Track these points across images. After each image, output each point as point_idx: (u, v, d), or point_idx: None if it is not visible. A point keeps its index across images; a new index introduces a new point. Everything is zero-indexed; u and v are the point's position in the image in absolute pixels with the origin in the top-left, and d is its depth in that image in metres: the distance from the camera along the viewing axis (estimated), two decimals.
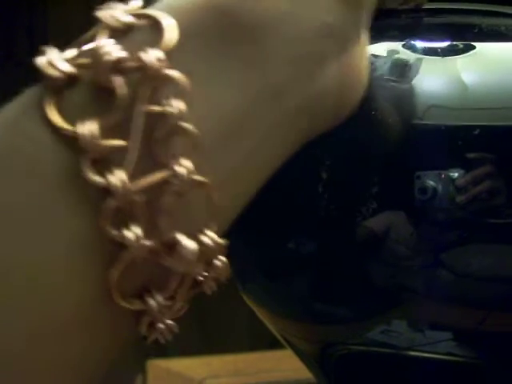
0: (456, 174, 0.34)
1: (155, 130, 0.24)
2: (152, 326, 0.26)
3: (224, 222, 0.27)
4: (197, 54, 0.26)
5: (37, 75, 0.25)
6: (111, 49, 0.24)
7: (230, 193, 0.27)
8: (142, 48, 0.24)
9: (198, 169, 0.25)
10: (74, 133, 0.24)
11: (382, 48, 0.37)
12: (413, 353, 0.38)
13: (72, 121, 0.24)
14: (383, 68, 0.35)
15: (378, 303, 0.37)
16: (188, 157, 0.24)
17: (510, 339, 0.37)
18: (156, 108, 0.24)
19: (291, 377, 1.18)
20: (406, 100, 0.34)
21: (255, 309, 0.42)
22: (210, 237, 0.26)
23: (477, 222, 0.34)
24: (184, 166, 0.24)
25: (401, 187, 0.35)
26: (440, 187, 0.34)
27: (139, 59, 0.24)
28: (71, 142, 0.24)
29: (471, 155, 0.34)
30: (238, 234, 0.39)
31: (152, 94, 0.24)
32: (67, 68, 0.25)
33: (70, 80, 0.25)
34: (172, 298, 0.26)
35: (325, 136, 0.32)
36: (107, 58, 0.24)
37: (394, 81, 0.35)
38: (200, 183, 0.25)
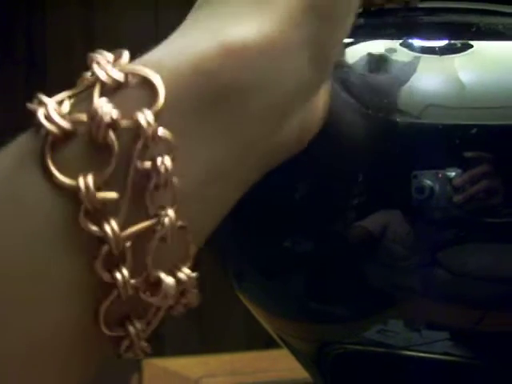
0: (453, 174, 0.34)
1: (145, 184, 0.27)
2: (129, 347, 0.29)
3: (194, 253, 0.30)
4: (181, 113, 0.28)
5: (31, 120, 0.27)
6: (107, 109, 0.27)
7: (200, 229, 0.30)
8: (135, 107, 0.27)
9: (179, 215, 0.28)
10: (72, 186, 0.26)
11: (379, 46, 0.37)
12: (409, 352, 0.38)
13: (69, 173, 0.27)
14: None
15: (375, 302, 0.37)
16: (171, 206, 0.28)
17: (506, 339, 0.37)
18: (147, 164, 0.27)
19: (288, 376, 1.18)
20: (384, 90, 0.35)
21: (251, 308, 0.42)
22: (185, 273, 0.29)
23: (474, 221, 0.34)
24: (169, 216, 0.27)
25: (398, 186, 0.35)
26: (437, 186, 0.34)
27: (134, 120, 0.27)
28: (68, 193, 0.26)
29: (468, 154, 0.34)
30: (233, 233, 0.39)
31: (143, 151, 0.27)
32: (65, 124, 0.27)
33: (66, 134, 0.27)
34: (148, 323, 0.29)
35: (319, 136, 0.33)
36: (103, 118, 0.26)
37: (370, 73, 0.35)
38: (182, 229, 0.28)
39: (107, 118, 0.26)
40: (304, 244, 0.37)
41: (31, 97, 0.28)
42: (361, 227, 0.35)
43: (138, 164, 0.27)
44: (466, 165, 0.34)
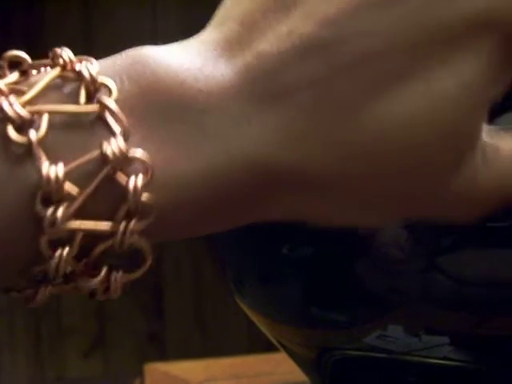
0: None
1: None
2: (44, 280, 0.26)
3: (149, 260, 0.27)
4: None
5: None
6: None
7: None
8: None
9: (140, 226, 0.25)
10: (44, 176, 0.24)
11: None
12: (409, 357, 0.38)
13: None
14: None
15: (374, 308, 0.37)
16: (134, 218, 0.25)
17: (505, 343, 0.37)
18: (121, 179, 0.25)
19: (290, 379, 1.18)
20: None
21: (250, 314, 0.42)
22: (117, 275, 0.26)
23: (472, 226, 0.34)
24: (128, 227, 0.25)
25: None
26: None
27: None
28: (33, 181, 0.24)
29: None
30: (232, 240, 0.39)
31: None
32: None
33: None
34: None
35: None
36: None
37: None
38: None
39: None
40: (303, 250, 0.37)
41: None
42: (360, 233, 0.35)
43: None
44: None
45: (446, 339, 0.37)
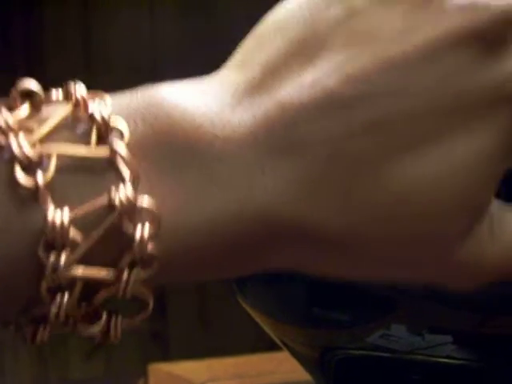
0: None
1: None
2: (43, 319, 0.26)
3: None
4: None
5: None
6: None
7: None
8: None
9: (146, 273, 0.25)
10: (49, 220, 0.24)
11: None
12: (412, 356, 0.38)
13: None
14: None
15: (377, 307, 0.37)
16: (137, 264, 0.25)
17: (508, 342, 0.37)
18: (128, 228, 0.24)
19: (293, 378, 1.18)
20: None
21: (253, 314, 0.42)
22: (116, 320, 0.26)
23: None
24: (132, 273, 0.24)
25: None
26: None
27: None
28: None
29: None
30: None
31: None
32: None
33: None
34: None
35: None
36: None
37: None
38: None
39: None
40: None
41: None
42: None
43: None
44: None
45: (449, 338, 0.37)
